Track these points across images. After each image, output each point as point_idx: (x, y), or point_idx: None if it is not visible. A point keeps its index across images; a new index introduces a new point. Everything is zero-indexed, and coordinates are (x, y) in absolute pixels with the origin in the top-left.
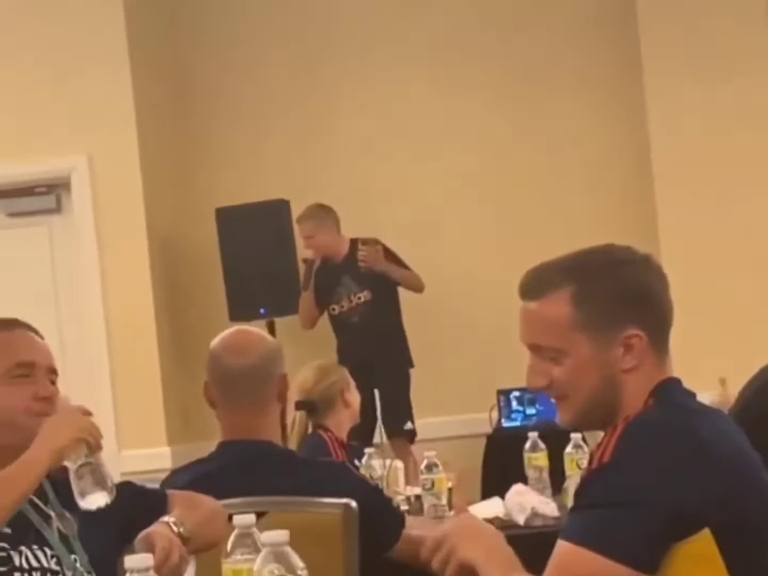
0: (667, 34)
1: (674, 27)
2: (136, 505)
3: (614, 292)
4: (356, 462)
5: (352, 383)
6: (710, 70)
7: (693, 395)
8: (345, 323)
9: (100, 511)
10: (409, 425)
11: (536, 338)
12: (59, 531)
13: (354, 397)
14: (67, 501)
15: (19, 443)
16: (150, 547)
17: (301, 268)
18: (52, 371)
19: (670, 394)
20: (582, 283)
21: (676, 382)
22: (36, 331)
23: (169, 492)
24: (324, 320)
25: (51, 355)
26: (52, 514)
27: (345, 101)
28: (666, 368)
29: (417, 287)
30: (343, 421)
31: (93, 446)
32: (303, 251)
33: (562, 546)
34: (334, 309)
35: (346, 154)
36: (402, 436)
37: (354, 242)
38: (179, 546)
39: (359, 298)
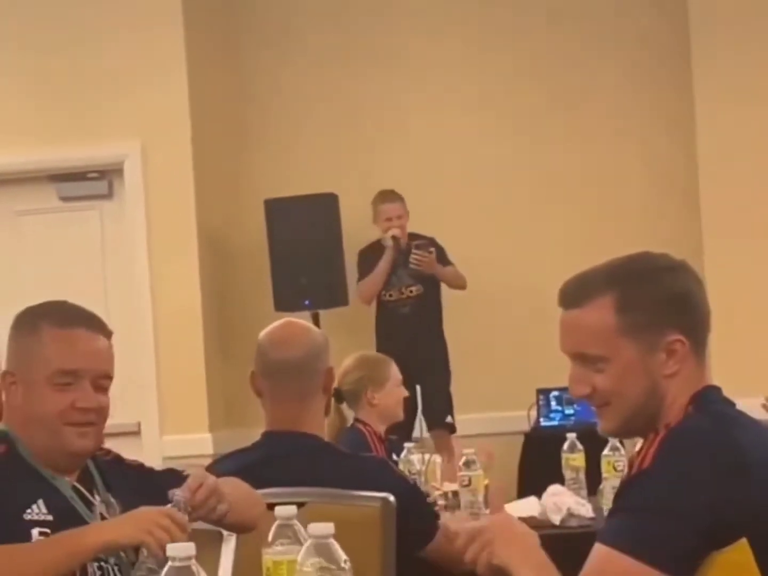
0: (719, 59)
1: (726, 54)
2: None
3: (657, 297)
4: (394, 456)
5: (391, 383)
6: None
7: (732, 404)
8: (395, 313)
9: (143, 498)
10: (449, 419)
11: (579, 346)
12: (103, 517)
13: (386, 399)
14: (112, 485)
15: (53, 445)
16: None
17: (349, 260)
18: (103, 377)
19: (710, 402)
20: (625, 290)
21: (716, 389)
22: (100, 327)
23: None
24: (370, 313)
25: (105, 359)
26: (97, 500)
27: (396, 97)
28: (705, 375)
29: (461, 285)
30: (371, 417)
31: (156, 554)
32: (381, 224)
33: (598, 549)
34: (384, 295)
35: (395, 151)
36: (443, 428)
37: (412, 237)
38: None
39: (411, 291)
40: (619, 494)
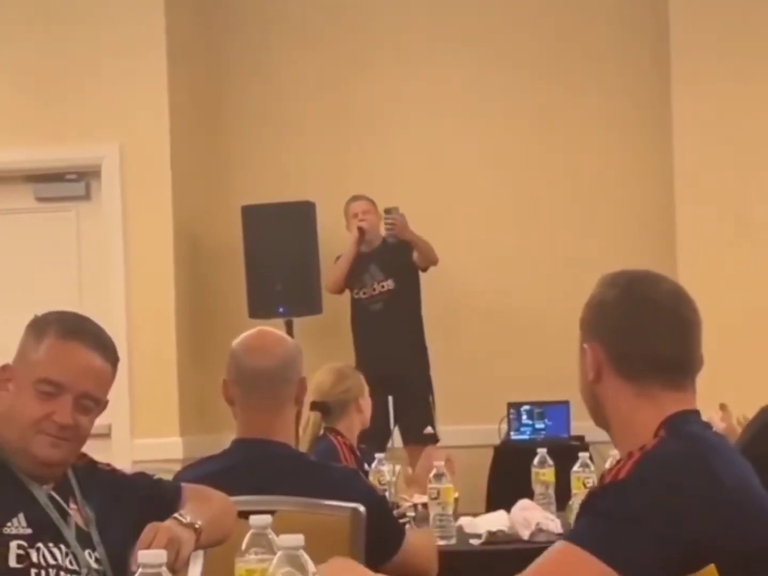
0: (699, 53)
1: (704, 48)
2: (152, 497)
3: (591, 304)
4: (365, 466)
5: (367, 389)
6: (739, 94)
7: (709, 427)
8: (367, 309)
9: (116, 504)
10: (429, 429)
11: None
12: (77, 527)
13: (367, 403)
14: (87, 491)
15: (22, 449)
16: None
17: (325, 269)
18: (85, 396)
19: (684, 426)
20: (594, 291)
21: (691, 413)
22: (103, 349)
23: (183, 485)
24: (344, 321)
25: (94, 380)
26: (73, 509)
27: (378, 107)
28: (681, 399)
29: (433, 257)
30: (353, 426)
31: None
32: (350, 225)
33: (560, 543)
34: (357, 293)
35: (374, 160)
36: (419, 443)
37: (384, 240)
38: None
39: (383, 286)
40: (588, 499)
